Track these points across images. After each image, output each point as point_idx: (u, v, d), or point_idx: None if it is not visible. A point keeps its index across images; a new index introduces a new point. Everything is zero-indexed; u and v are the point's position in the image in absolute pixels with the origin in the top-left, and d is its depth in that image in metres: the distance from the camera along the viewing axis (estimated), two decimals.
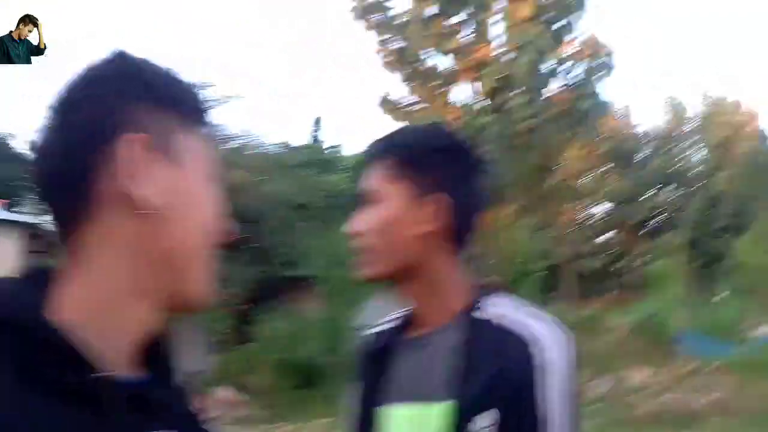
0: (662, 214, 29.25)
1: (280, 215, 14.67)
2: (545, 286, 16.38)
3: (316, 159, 20.38)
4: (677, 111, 30.87)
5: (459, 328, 1.20)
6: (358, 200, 1.29)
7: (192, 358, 12.44)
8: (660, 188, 29.65)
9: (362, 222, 1.26)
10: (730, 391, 10.30)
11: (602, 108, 19.58)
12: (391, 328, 1.32)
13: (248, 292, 13.47)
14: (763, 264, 19.85)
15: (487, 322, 1.19)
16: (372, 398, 1.27)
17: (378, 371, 1.27)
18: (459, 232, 1.24)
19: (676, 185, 29.67)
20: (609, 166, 27.40)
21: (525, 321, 1.18)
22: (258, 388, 11.23)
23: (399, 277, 1.25)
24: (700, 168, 29.78)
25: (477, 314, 1.20)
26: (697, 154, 30.64)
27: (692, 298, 19.15)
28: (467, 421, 1.12)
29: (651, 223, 29.17)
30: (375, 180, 1.25)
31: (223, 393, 10.62)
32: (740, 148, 28.56)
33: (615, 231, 29.44)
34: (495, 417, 1.11)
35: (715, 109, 30.07)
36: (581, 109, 18.28)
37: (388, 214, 1.22)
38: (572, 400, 1.14)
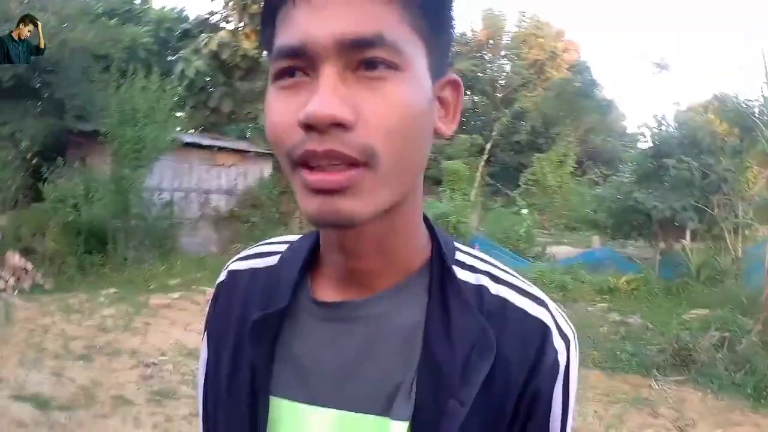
0: None
1: (81, 65, 12.98)
2: None
3: (121, 9, 18.53)
4: (494, 22, 31.55)
5: (424, 291, 0.69)
6: (297, 61, 0.60)
7: None
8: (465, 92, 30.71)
9: (359, 104, 0.58)
10: None
11: None
12: (295, 270, 0.74)
13: (40, 146, 11.99)
14: (558, 185, 21.38)
15: (468, 286, 0.70)
16: (253, 379, 0.71)
17: (263, 338, 0.71)
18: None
19: (481, 92, 30.86)
20: None
21: (526, 292, 0.71)
22: (47, 253, 10.28)
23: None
24: (510, 81, 30.96)
25: (454, 270, 0.70)
26: (509, 68, 31.78)
27: (486, 205, 20.12)
28: None
29: None
30: (379, 19, 0.59)
31: (12, 258, 9.60)
32: (553, 73, 29.90)
33: None
34: None
35: (533, 30, 30.98)
36: None
37: (418, 95, 0.61)
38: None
